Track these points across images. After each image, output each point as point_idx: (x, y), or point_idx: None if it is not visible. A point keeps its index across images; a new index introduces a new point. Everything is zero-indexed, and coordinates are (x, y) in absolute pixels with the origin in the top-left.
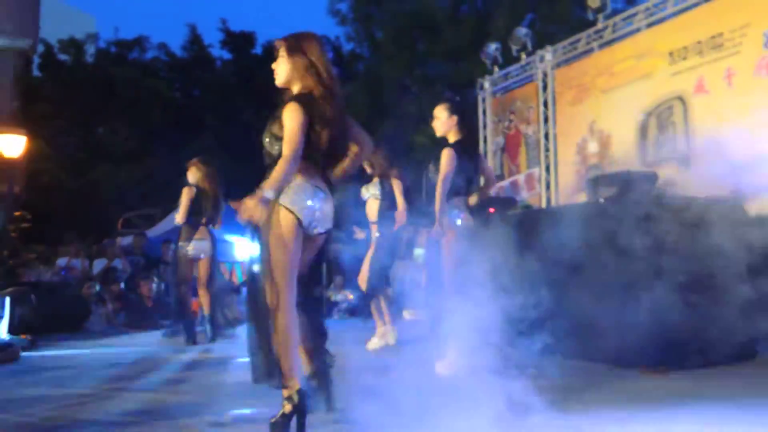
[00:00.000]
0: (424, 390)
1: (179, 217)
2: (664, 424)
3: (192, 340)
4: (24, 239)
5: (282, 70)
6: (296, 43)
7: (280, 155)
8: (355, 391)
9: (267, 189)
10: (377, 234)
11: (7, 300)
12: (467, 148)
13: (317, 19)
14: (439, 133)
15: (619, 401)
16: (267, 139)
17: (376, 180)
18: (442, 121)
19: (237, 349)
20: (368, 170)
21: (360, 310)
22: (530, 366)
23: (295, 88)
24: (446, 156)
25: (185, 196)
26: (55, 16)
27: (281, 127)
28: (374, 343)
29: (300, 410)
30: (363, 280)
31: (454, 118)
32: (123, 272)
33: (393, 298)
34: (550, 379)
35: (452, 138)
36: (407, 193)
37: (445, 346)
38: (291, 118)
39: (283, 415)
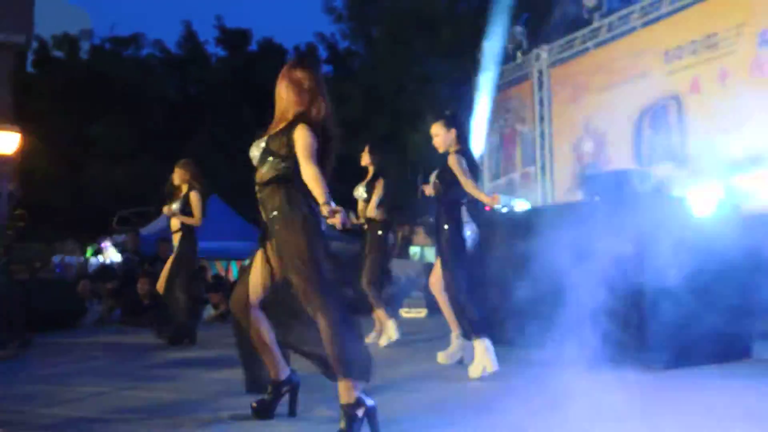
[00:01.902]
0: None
1: (198, 220)
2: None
3: (192, 339)
4: (18, 236)
5: (287, 96)
6: (303, 71)
7: (277, 171)
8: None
9: (326, 197)
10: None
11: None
12: (470, 157)
13: (313, 17)
14: (441, 149)
15: (616, 398)
16: (268, 156)
17: (365, 180)
18: (442, 137)
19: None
20: (370, 169)
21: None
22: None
23: (295, 110)
24: (455, 160)
25: (200, 200)
26: (50, 12)
27: (282, 145)
28: (383, 340)
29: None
30: (367, 278)
31: (453, 131)
32: (118, 269)
33: (391, 297)
34: (549, 374)
35: (454, 150)
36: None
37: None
38: (308, 136)
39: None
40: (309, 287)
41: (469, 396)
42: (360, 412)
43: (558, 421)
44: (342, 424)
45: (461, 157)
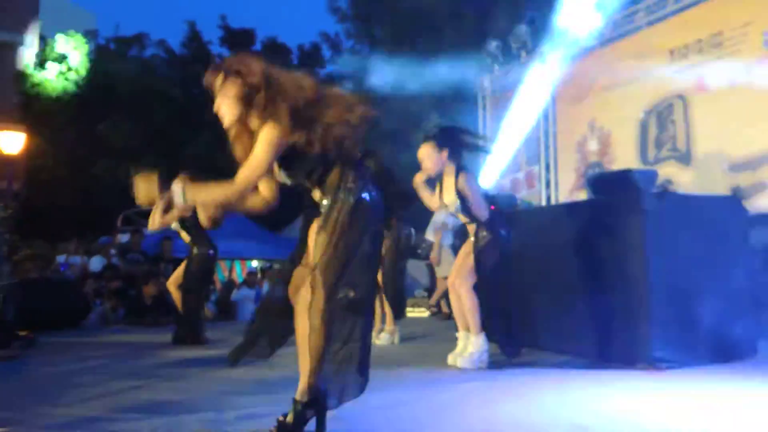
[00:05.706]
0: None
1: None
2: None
3: (195, 338)
4: (23, 235)
5: (226, 108)
6: (237, 68)
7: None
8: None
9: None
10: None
11: None
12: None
13: (317, 16)
14: (433, 172)
15: (617, 397)
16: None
17: None
18: (434, 160)
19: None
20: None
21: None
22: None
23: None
24: (465, 182)
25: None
26: (56, 12)
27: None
28: (382, 338)
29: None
30: (387, 279)
31: (445, 152)
32: (122, 269)
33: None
34: (548, 374)
35: (450, 170)
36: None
37: (466, 340)
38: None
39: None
40: (319, 283)
41: (472, 394)
42: (309, 414)
43: (559, 420)
44: (289, 418)
45: (469, 175)
